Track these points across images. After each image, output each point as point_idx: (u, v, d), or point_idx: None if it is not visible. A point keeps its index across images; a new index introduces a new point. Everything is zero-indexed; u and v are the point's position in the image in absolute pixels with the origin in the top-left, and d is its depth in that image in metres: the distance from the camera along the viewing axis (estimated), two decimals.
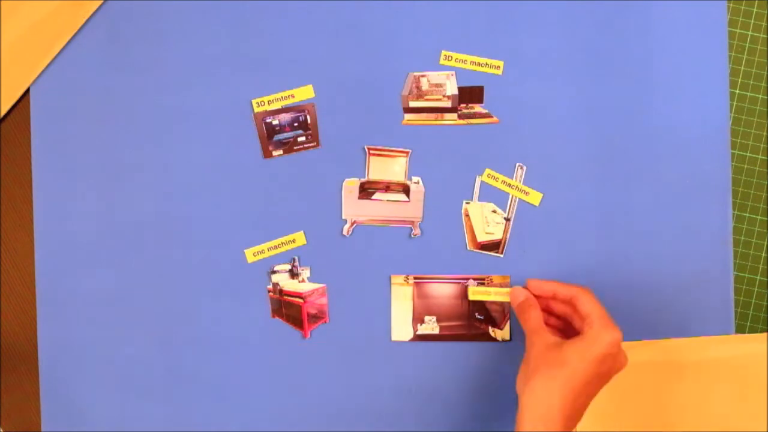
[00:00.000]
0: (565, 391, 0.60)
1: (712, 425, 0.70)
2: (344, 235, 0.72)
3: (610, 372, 0.62)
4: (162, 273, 0.72)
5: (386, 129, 0.72)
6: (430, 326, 0.72)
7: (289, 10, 0.72)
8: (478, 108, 0.72)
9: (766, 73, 0.77)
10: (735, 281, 0.77)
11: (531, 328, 0.64)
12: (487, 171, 0.72)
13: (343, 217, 0.72)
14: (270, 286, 0.72)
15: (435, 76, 0.72)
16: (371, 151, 0.71)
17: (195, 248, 0.72)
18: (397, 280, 0.72)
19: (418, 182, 0.71)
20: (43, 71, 0.72)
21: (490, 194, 0.72)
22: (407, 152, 0.71)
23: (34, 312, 0.73)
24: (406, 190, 0.72)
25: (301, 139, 0.72)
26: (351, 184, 0.71)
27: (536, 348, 0.63)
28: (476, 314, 0.72)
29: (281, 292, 0.72)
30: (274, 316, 0.72)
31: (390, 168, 0.72)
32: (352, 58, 0.72)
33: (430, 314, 0.72)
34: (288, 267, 0.72)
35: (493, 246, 0.72)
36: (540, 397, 0.60)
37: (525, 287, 0.67)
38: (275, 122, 0.71)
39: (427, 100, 0.72)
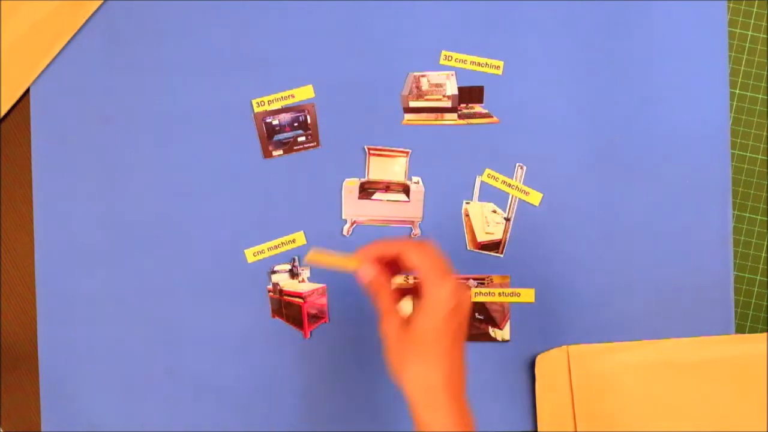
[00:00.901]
0: (436, 366, 0.56)
1: (712, 425, 0.70)
2: (344, 235, 0.72)
3: (462, 316, 0.58)
4: (162, 273, 0.72)
5: (386, 129, 0.72)
6: None
7: (289, 10, 0.72)
8: (478, 108, 0.72)
9: (766, 73, 0.77)
10: (735, 281, 0.77)
11: (382, 311, 0.59)
12: (487, 171, 0.72)
13: (343, 217, 0.72)
14: (270, 286, 0.72)
15: (435, 76, 0.72)
16: (371, 151, 0.71)
17: (195, 248, 0.72)
18: (397, 280, 0.72)
19: (418, 182, 0.71)
20: (43, 71, 0.72)
21: (490, 194, 0.72)
22: (407, 152, 0.71)
23: (34, 312, 0.73)
24: (406, 190, 0.72)
25: (301, 139, 0.72)
26: (351, 184, 0.71)
27: (391, 332, 0.58)
28: (476, 314, 0.72)
29: (281, 292, 0.72)
30: (274, 316, 0.72)
31: (390, 168, 0.72)
32: (352, 58, 0.72)
33: None
34: (288, 267, 0.72)
35: (493, 246, 0.72)
36: (416, 383, 0.57)
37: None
38: (275, 122, 0.71)
39: (427, 100, 0.72)
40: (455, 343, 0.58)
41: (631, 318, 0.72)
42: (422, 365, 0.57)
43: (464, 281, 0.72)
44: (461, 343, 0.58)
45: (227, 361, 0.72)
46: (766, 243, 0.78)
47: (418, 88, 0.71)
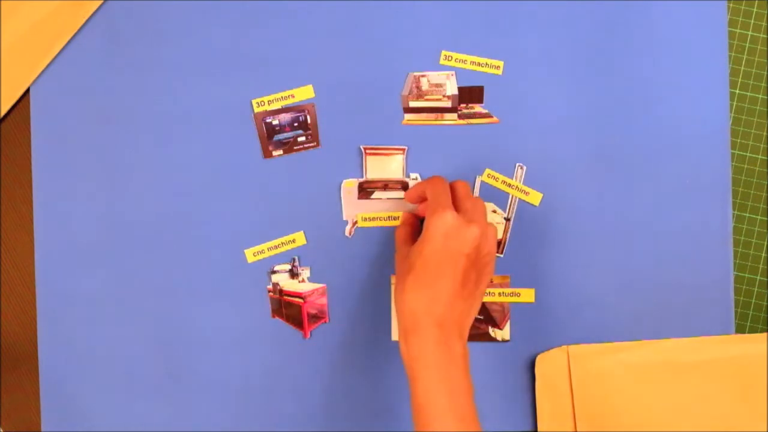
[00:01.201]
0: (420, 294, 0.58)
1: (712, 425, 0.70)
2: (347, 236, 0.72)
3: (463, 251, 0.59)
4: (162, 273, 0.72)
5: (386, 129, 0.72)
6: None
7: (289, 10, 0.72)
8: (478, 108, 0.72)
9: (766, 73, 0.77)
10: (735, 281, 0.77)
11: (396, 245, 0.66)
12: (487, 171, 0.72)
13: (344, 218, 0.72)
14: (270, 286, 0.72)
15: (435, 76, 0.72)
16: (367, 151, 0.71)
17: (195, 248, 0.72)
18: None
19: (416, 178, 0.71)
20: (43, 71, 0.72)
21: (490, 194, 0.72)
22: (404, 149, 0.71)
23: (34, 312, 0.73)
24: (404, 186, 0.72)
25: (301, 139, 0.72)
26: (349, 185, 0.71)
27: (397, 263, 0.64)
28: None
29: (281, 292, 0.72)
30: (274, 316, 0.72)
31: (387, 166, 0.72)
32: (352, 58, 0.72)
33: None
34: (288, 267, 0.72)
35: None
36: (404, 308, 0.59)
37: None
38: (275, 122, 0.71)
39: (427, 100, 0.72)
40: (447, 275, 0.58)
41: (631, 318, 0.72)
42: (408, 289, 0.59)
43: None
44: (459, 279, 0.59)
45: (227, 360, 0.72)
46: (766, 243, 0.78)
47: (418, 88, 0.71)
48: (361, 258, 0.72)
